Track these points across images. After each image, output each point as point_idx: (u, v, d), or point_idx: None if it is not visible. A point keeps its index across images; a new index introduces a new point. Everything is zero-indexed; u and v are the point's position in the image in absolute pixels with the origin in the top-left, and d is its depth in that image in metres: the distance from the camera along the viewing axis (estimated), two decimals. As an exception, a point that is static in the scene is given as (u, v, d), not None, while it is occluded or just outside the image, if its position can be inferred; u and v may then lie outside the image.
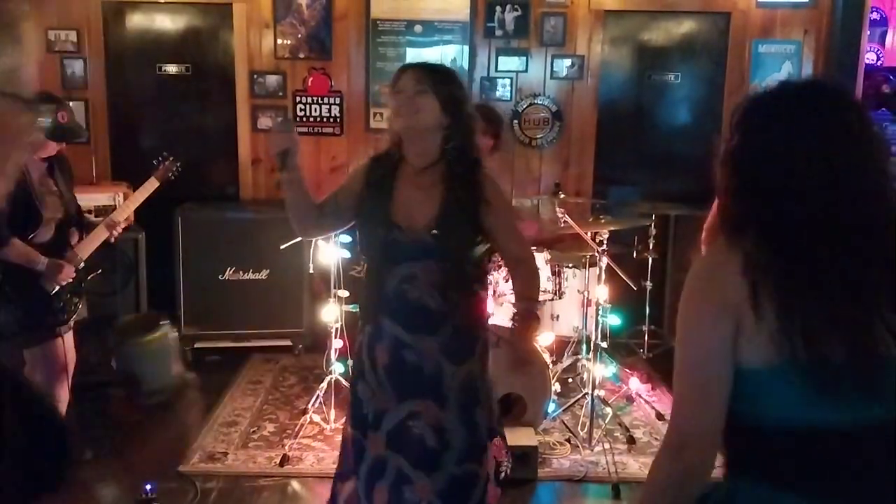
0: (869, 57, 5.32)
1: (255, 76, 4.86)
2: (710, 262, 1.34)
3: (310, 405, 3.63)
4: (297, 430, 3.55)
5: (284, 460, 3.33)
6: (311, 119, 4.91)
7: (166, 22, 4.91)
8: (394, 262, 2.10)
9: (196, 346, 4.56)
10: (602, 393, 3.72)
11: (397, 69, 2.20)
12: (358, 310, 2.23)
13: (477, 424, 2.14)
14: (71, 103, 4.22)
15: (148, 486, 2.81)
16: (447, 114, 2.10)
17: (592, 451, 3.47)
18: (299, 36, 4.84)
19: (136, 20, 4.90)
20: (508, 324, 2.46)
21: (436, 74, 2.14)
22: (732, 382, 1.21)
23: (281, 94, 4.88)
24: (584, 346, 4.00)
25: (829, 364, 1.15)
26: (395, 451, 2.11)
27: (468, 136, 2.14)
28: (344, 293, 3.66)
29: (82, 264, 3.08)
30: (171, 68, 4.91)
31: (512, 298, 3.76)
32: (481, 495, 2.13)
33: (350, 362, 3.24)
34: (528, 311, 2.20)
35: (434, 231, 2.06)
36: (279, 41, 4.83)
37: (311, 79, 4.86)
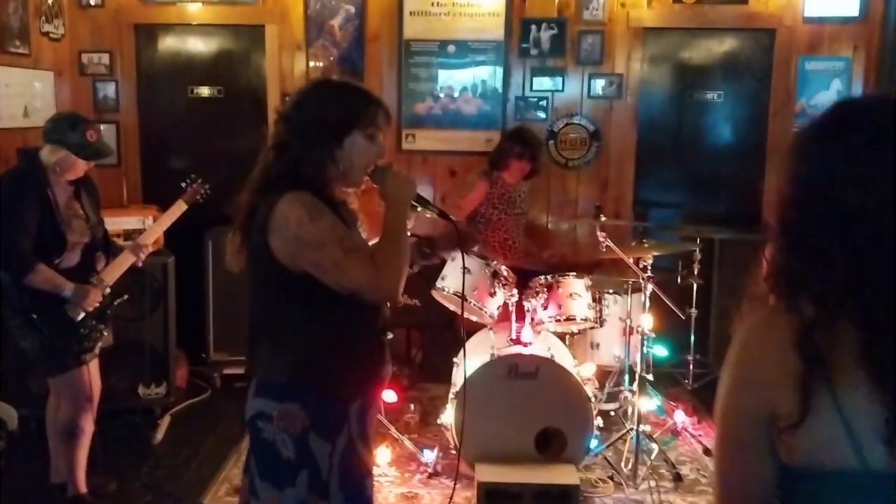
0: (922, 74, 5.09)
1: (287, 98, 4.79)
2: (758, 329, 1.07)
3: (340, 437, 3.49)
4: (326, 462, 3.41)
5: (313, 495, 3.19)
6: (343, 141, 4.83)
7: (198, 44, 4.89)
8: None
9: (225, 372, 4.47)
10: (647, 428, 3.53)
11: (381, 107, 1.86)
12: (331, 393, 1.76)
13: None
14: (102, 126, 4.25)
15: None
16: None
17: (637, 489, 3.29)
18: (331, 58, 4.77)
19: (168, 42, 4.89)
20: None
21: None
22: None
23: (312, 115, 4.81)
24: (626, 378, 3.82)
25: None
26: None
27: None
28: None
29: (108, 289, 3.01)
30: (203, 91, 4.88)
31: (550, 326, 3.62)
32: None
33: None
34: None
35: None
36: (311, 63, 4.77)
37: (342, 100, 4.78)
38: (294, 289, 1.65)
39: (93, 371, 2.99)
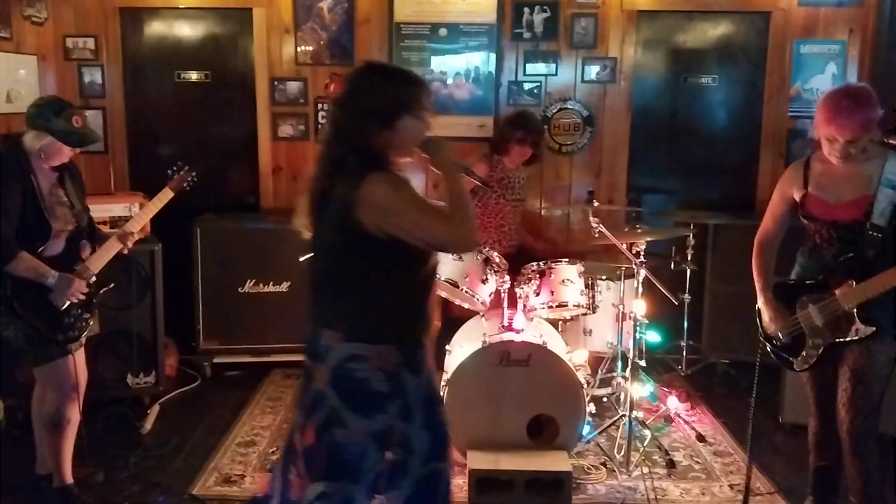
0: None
1: (276, 83, 4.74)
2: None
3: (331, 425, 3.46)
4: (317, 451, 3.39)
5: (304, 484, 3.16)
6: (333, 126, 4.77)
7: (185, 28, 4.81)
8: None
9: (215, 361, 4.44)
10: (639, 414, 3.52)
11: (425, 88, 2.07)
12: (413, 335, 2.05)
13: None
14: (88, 112, 4.18)
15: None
16: None
17: (630, 475, 3.27)
18: (321, 41, 4.71)
19: (155, 27, 4.81)
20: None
21: None
22: None
23: (302, 100, 4.75)
24: (619, 364, 3.80)
25: None
26: None
27: None
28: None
29: (94, 278, 2.96)
30: (191, 75, 4.81)
31: (542, 313, 3.59)
32: None
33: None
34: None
35: None
36: (300, 47, 4.71)
37: (332, 85, 4.72)
38: (380, 251, 1.92)
39: (79, 361, 2.94)
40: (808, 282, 2.65)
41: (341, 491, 1.95)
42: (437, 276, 2.20)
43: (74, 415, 2.96)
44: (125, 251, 3.08)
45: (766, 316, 2.73)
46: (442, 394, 3.34)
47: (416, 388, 2.00)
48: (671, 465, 3.37)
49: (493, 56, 4.69)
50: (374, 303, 1.98)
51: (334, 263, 2.02)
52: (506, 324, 3.45)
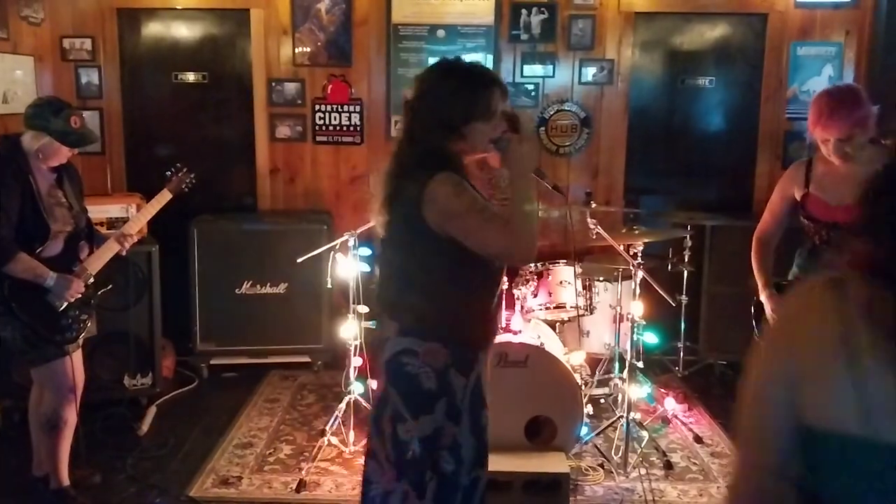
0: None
1: (273, 84, 4.74)
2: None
3: (328, 427, 3.47)
4: (314, 452, 3.39)
5: (301, 486, 3.17)
6: (331, 128, 4.77)
7: (182, 29, 4.80)
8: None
9: (212, 362, 4.44)
10: (637, 415, 3.52)
11: (497, 88, 2.03)
12: (472, 336, 2.05)
13: None
14: (86, 113, 4.16)
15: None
16: None
17: (628, 477, 3.27)
18: (318, 42, 4.70)
19: (152, 28, 4.80)
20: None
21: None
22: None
23: (299, 102, 4.75)
24: (616, 365, 3.81)
25: None
26: None
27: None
28: (364, 309, 3.49)
29: (92, 279, 2.95)
30: (188, 76, 4.81)
31: (540, 314, 3.59)
32: None
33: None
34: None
35: None
36: (298, 48, 4.70)
37: (330, 86, 4.73)
38: (442, 251, 1.93)
39: (76, 362, 2.94)
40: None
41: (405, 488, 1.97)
42: (503, 284, 2.15)
43: (71, 416, 2.95)
44: (123, 252, 3.07)
45: (769, 310, 2.73)
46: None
47: (464, 390, 1.98)
48: (669, 466, 3.37)
49: (490, 57, 4.69)
50: (431, 300, 1.99)
51: (401, 258, 2.04)
52: (503, 325, 3.45)
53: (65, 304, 2.83)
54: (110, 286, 3.18)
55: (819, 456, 0.98)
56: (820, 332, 0.97)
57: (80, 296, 2.86)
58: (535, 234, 1.92)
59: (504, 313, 3.48)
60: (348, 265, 3.46)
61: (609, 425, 3.55)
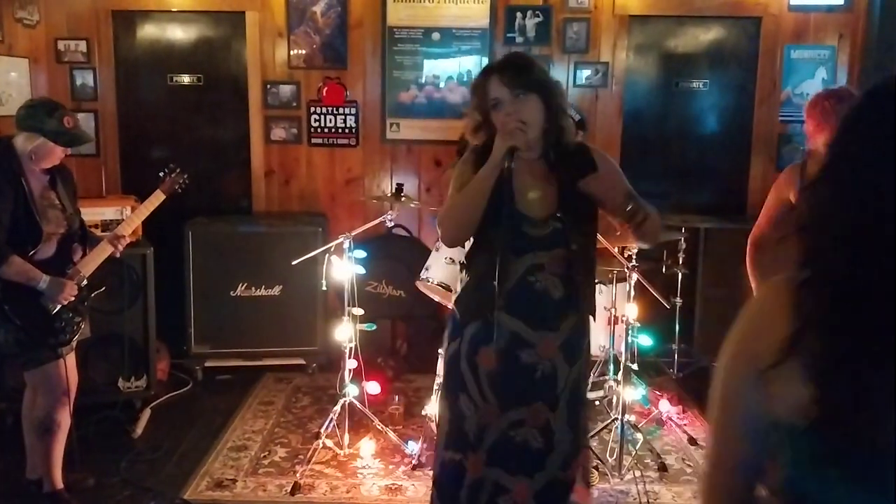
0: (906, 62, 5.09)
1: (269, 86, 4.73)
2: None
3: (322, 429, 3.46)
4: (309, 455, 3.38)
5: (296, 488, 3.16)
6: (326, 130, 4.77)
7: (177, 31, 4.80)
8: (519, 252, 2.08)
9: (206, 364, 4.43)
10: (632, 417, 3.52)
11: (479, 76, 2.18)
12: (458, 311, 2.19)
13: (580, 427, 2.18)
14: (80, 115, 4.16)
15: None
16: (546, 105, 2.11)
17: (622, 479, 3.28)
18: (314, 45, 4.71)
19: (147, 30, 4.80)
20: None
21: (524, 72, 2.12)
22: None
23: (295, 104, 4.75)
24: (611, 367, 3.81)
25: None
26: (493, 465, 2.09)
27: (563, 120, 2.17)
28: (358, 311, 3.49)
29: (85, 281, 2.95)
30: (183, 78, 4.80)
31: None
32: (568, 499, 2.14)
33: (439, 378, 3.12)
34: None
35: (558, 215, 2.09)
36: (293, 50, 4.70)
37: (325, 88, 4.73)
38: None
39: (70, 364, 2.93)
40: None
41: None
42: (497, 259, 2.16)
43: (65, 419, 2.94)
44: (117, 254, 3.06)
45: None
46: (434, 396, 3.35)
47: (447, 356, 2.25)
48: (663, 468, 3.38)
49: (485, 60, 4.69)
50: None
51: None
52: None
53: (58, 307, 2.82)
54: (104, 288, 3.17)
55: (796, 454, 0.98)
56: (780, 329, 0.98)
57: (73, 298, 2.85)
58: (453, 221, 2.14)
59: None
60: (343, 267, 3.46)
61: (604, 427, 3.55)
